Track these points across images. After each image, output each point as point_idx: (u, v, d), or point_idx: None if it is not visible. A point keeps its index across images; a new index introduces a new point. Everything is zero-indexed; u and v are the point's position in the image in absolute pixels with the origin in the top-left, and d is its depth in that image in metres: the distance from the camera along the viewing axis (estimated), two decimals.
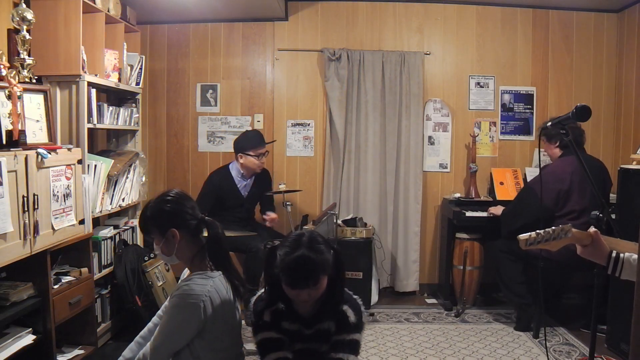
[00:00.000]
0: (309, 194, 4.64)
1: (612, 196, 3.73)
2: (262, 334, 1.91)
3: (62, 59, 3.11)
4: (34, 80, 2.85)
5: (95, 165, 3.23)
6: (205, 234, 1.96)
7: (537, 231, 1.59)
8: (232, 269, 1.95)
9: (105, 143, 4.11)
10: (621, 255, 1.65)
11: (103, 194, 3.33)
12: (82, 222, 2.94)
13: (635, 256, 1.62)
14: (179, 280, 2.03)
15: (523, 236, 1.59)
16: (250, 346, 3.34)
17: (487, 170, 4.59)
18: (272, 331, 1.90)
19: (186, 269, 2.01)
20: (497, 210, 4.00)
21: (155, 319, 2.04)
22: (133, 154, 3.79)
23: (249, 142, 3.90)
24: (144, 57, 4.12)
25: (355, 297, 2.00)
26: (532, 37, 4.62)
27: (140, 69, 4.02)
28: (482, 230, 4.25)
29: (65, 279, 2.86)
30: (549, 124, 2.21)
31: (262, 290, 1.97)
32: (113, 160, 3.43)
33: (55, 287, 2.72)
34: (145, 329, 2.02)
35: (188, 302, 1.77)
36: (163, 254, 1.92)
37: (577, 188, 3.49)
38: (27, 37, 2.76)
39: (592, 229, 1.68)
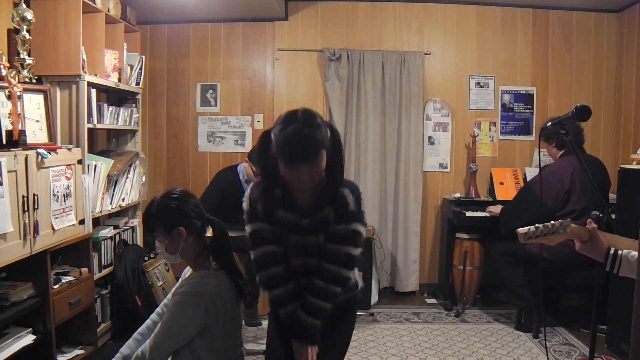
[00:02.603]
0: None
1: (612, 196, 3.73)
2: (253, 224, 1.85)
3: (62, 59, 3.11)
4: (34, 80, 2.85)
5: (95, 165, 3.23)
6: (209, 233, 1.96)
7: (537, 225, 1.59)
8: (235, 268, 1.94)
9: (105, 143, 4.11)
10: (619, 252, 1.64)
11: (103, 194, 3.34)
12: (82, 222, 2.94)
13: (634, 253, 1.62)
14: (180, 279, 2.03)
15: (522, 230, 1.59)
16: (250, 346, 3.35)
17: (487, 170, 4.59)
18: (264, 222, 1.83)
19: (188, 267, 2.00)
20: (496, 209, 4.00)
21: (153, 315, 2.04)
22: (133, 154, 3.79)
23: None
24: (144, 57, 4.12)
25: (355, 183, 1.89)
26: (532, 37, 4.62)
27: (140, 69, 4.03)
28: (482, 230, 4.25)
29: (65, 279, 2.86)
30: (549, 124, 2.20)
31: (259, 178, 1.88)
32: (113, 160, 3.43)
33: (55, 287, 2.72)
34: (144, 326, 2.01)
35: (191, 300, 1.77)
36: (167, 253, 1.91)
37: (578, 188, 3.49)
38: (27, 37, 2.76)
39: (590, 225, 1.68)
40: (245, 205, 1.89)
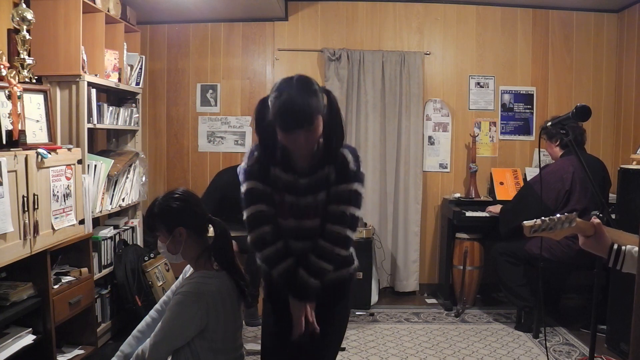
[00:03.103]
0: None
1: (612, 196, 3.73)
2: (248, 183, 1.87)
3: (62, 59, 3.11)
4: (34, 80, 2.85)
5: (95, 165, 3.23)
6: (211, 233, 1.96)
7: (542, 218, 1.58)
8: (237, 269, 1.95)
9: (105, 143, 4.11)
10: (623, 247, 1.63)
11: (103, 194, 3.34)
12: (82, 222, 2.94)
13: (637, 249, 1.61)
14: (181, 277, 2.03)
15: (528, 223, 1.58)
16: (250, 346, 3.35)
17: (487, 170, 4.59)
18: (258, 181, 1.85)
19: (188, 266, 2.01)
20: (496, 209, 4.01)
21: (152, 312, 2.04)
22: (133, 154, 3.79)
23: None
24: (144, 57, 4.12)
25: (353, 146, 1.92)
26: (532, 37, 4.62)
27: (140, 69, 4.03)
28: (482, 230, 4.25)
29: (65, 279, 2.86)
30: (549, 123, 2.21)
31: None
32: (113, 160, 3.43)
33: (55, 287, 2.72)
34: (143, 323, 2.01)
35: (192, 300, 1.77)
36: (169, 252, 1.92)
37: (578, 187, 3.49)
38: (27, 37, 2.76)
39: (595, 221, 1.66)
40: (243, 164, 1.92)
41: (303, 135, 1.71)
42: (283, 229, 1.87)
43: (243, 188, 1.88)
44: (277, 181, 1.85)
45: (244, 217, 1.88)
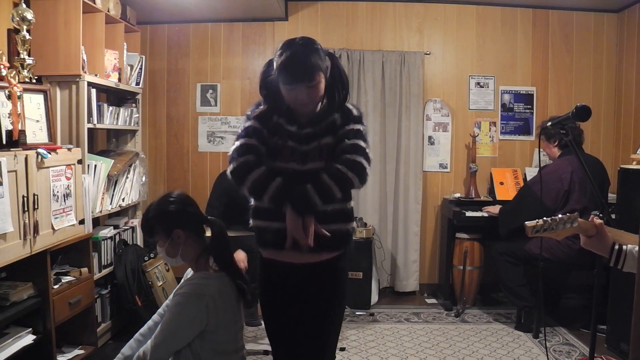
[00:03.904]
0: None
1: (612, 196, 3.73)
2: (246, 123, 1.93)
3: (62, 59, 3.12)
4: (34, 80, 2.85)
5: (95, 165, 3.23)
6: (208, 233, 1.96)
7: (544, 218, 1.59)
8: (236, 269, 1.95)
9: (105, 143, 4.11)
10: (624, 247, 1.64)
11: (103, 194, 3.34)
12: (82, 222, 2.94)
13: (638, 248, 1.62)
14: (183, 279, 2.03)
15: (530, 223, 1.59)
16: (250, 346, 3.35)
17: (487, 170, 4.59)
18: (258, 122, 1.90)
19: (189, 268, 2.01)
20: (494, 209, 4.01)
21: (155, 317, 2.03)
22: (133, 154, 3.79)
23: None
24: (144, 57, 4.12)
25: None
26: (532, 37, 4.63)
27: (140, 69, 4.03)
28: (482, 230, 4.25)
29: (65, 279, 2.86)
30: (549, 123, 2.21)
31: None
32: (113, 160, 3.43)
33: (55, 287, 2.72)
34: (145, 327, 2.01)
35: (192, 301, 1.77)
36: (168, 256, 1.92)
37: (577, 187, 3.50)
38: (27, 37, 2.76)
39: (597, 220, 1.67)
40: (248, 111, 1.98)
41: (305, 90, 1.79)
42: (283, 173, 1.87)
43: (240, 128, 1.94)
44: (280, 129, 1.91)
45: (230, 151, 1.91)
